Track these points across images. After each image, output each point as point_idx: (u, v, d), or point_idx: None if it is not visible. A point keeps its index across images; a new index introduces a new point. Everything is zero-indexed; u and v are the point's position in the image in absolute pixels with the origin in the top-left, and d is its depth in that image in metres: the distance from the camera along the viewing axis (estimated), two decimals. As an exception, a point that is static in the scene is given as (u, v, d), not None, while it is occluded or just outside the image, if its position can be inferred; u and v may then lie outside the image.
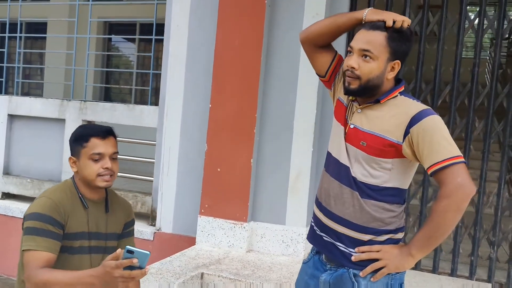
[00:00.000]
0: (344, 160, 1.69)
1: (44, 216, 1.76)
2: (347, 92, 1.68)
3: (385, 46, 1.60)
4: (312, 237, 1.82)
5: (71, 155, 1.90)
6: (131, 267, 1.50)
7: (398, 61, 1.63)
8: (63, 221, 1.80)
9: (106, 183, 1.86)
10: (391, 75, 1.65)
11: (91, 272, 1.60)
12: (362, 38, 1.62)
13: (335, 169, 1.72)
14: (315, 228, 1.80)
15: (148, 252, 1.50)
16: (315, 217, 1.80)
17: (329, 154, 1.79)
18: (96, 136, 1.85)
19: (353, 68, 1.62)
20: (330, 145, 1.79)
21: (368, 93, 1.66)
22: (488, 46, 9.29)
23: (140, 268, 1.50)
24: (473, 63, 3.55)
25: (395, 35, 1.61)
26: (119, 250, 1.52)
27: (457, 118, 3.60)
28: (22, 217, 1.84)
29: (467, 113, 3.57)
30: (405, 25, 1.63)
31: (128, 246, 1.52)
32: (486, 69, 8.92)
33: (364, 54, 1.61)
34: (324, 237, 1.74)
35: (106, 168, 1.84)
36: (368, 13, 1.66)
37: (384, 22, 1.61)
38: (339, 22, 1.74)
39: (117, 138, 1.96)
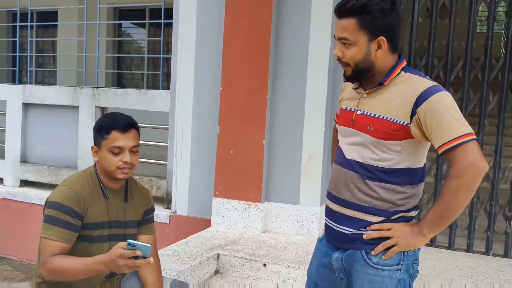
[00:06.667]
0: (351, 146, 1.69)
1: (64, 207, 1.79)
2: (346, 79, 1.70)
3: (359, 30, 1.58)
4: (325, 232, 1.83)
5: (94, 144, 1.91)
6: (136, 257, 1.59)
7: (381, 37, 1.59)
8: (82, 212, 1.83)
9: (125, 176, 1.88)
10: (380, 53, 1.60)
11: (99, 258, 1.67)
12: (338, 27, 1.62)
13: (343, 158, 1.72)
14: (326, 221, 1.79)
15: (149, 245, 1.59)
16: (326, 210, 1.80)
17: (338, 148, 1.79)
18: (117, 129, 1.85)
19: (339, 56, 1.64)
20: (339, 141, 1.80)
21: (364, 75, 1.65)
22: (502, 19, 9.09)
23: (144, 257, 1.59)
24: (486, 36, 3.49)
25: (366, 16, 1.56)
26: (122, 243, 1.60)
27: (470, 93, 3.55)
28: (42, 203, 1.88)
29: (480, 88, 3.52)
30: None
31: (129, 240, 1.59)
32: (502, 43, 8.74)
33: (343, 42, 1.61)
34: (334, 227, 1.73)
35: (125, 161, 1.85)
36: None
37: (351, 4, 1.57)
38: None
39: None
